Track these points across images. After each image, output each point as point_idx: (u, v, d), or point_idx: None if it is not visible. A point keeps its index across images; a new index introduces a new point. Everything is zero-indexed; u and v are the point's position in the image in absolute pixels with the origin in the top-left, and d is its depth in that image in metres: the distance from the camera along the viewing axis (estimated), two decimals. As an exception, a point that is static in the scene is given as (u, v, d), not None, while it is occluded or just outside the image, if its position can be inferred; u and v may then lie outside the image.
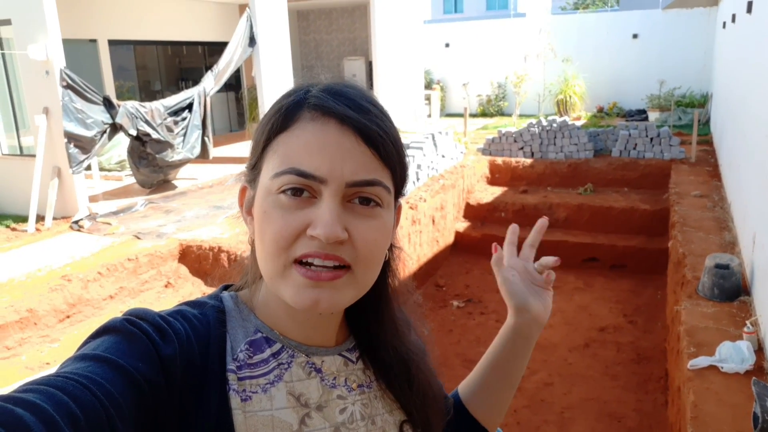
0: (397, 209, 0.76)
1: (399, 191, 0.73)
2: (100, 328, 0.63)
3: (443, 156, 9.11)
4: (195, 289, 5.64)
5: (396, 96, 12.74)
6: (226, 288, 0.78)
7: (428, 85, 16.36)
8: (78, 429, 0.50)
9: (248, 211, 0.73)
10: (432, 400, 0.84)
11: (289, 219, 0.64)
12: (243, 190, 0.74)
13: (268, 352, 0.70)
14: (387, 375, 0.79)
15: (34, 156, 6.73)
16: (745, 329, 3.58)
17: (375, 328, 0.79)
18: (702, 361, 3.41)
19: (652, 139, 9.30)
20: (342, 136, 0.65)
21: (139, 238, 5.97)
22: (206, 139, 8.06)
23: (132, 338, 0.61)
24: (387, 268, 0.78)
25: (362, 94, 0.69)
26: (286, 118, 0.67)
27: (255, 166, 0.71)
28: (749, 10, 6.05)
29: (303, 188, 0.65)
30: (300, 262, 0.65)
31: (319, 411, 0.71)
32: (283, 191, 0.65)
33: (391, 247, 0.78)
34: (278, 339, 0.72)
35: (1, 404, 0.48)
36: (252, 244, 0.75)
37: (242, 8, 12.92)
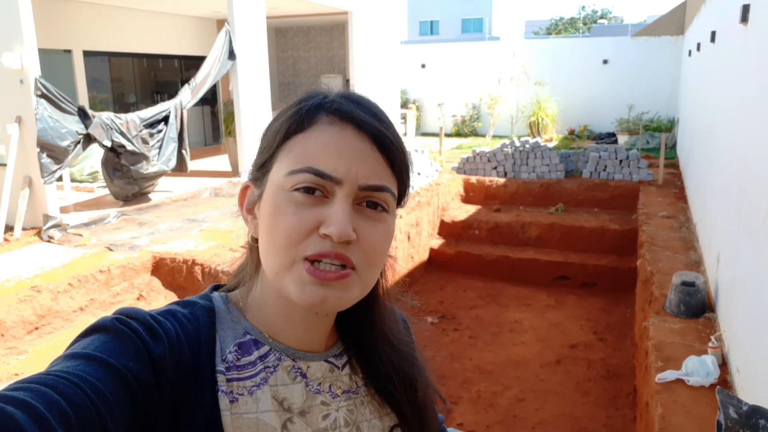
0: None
1: (400, 200, 0.75)
2: (89, 327, 0.63)
3: (419, 173, 9.21)
4: (167, 302, 5.57)
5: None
6: (216, 288, 0.78)
7: (404, 105, 16.55)
8: (69, 427, 0.50)
9: (249, 210, 0.73)
10: (426, 402, 0.84)
11: (303, 215, 0.66)
12: (245, 189, 0.75)
13: (255, 354, 0.71)
14: (378, 380, 0.79)
15: (5, 165, 6.60)
16: (710, 344, 3.69)
17: (367, 333, 0.80)
18: (669, 375, 3.50)
19: (621, 161, 9.56)
20: (358, 140, 0.67)
21: (111, 249, 5.88)
22: (183, 152, 8.02)
23: (122, 337, 0.61)
24: (380, 274, 0.79)
25: (376, 105, 0.73)
26: (303, 120, 0.68)
27: (264, 165, 0.71)
28: (713, 39, 6.32)
29: (316, 188, 0.66)
30: (309, 260, 0.66)
31: (301, 416, 0.71)
32: (297, 189, 0.66)
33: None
34: (266, 342, 0.72)
35: None
36: (248, 244, 0.76)
37: (220, 23, 12.95)
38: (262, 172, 0.72)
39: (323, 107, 0.69)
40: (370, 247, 0.68)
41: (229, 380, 0.68)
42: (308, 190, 0.66)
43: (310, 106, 0.69)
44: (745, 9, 4.10)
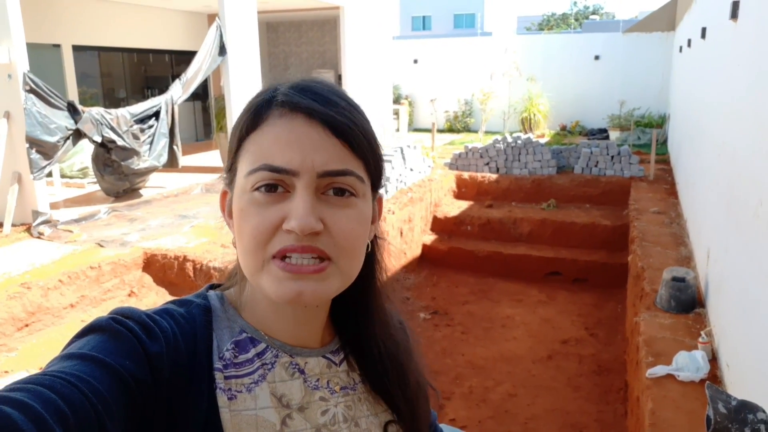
0: (378, 200, 0.77)
1: (376, 182, 0.74)
2: (85, 327, 0.63)
3: (411, 169, 9.21)
4: (159, 299, 5.56)
5: (365, 109, 12.79)
6: (212, 287, 0.78)
7: (397, 100, 16.52)
8: (67, 427, 0.50)
9: (230, 214, 0.73)
10: (419, 395, 0.84)
11: (265, 214, 0.65)
12: (223, 194, 0.75)
13: (252, 351, 0.71)
14: (373, 370, 0.79)
15: (-7, 161, 6.55)
16: (700, 339, 3.72)
17: (363, 323, 0.79)
18: (659, 370, 3.53)
19: (612, 157, 9.59)
20: (310, 129, 0.66)
21: (101, 246, 5.85)
22: (175, 147, 7.97)
23: (118, 336, 0.61)
24: (373, 260, 0.79)
25: (330, 88, 0.70)
26: (255, 118, 0.68)
27: (231, 168, 0.71)
28: (703, 36, 6.35)
29: (277, 184, 0.65)
30: (279, 257, 0.65)
31: (300, 412, 0.71)
32: (258, 188, 0.65)
33: (375, 239, 0.79)
34: (263, 339, 0.72)
35: None
36: (236, 245, 0.76)
37: (211, 18, 12.86)
38: (231, 175, 0.72)
39: (272, 101, 0.68)
40: (341, 235, 0.67)
41: (227, 378, 0.68)
42: (269, 188, 0.65)
43: (260, 103, 0.69)
44: (735, 5, 4.12)
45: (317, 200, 0.66)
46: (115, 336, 0.61)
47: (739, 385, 3.03)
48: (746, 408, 2.06)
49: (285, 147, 0.65)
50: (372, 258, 0.78)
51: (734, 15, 4.14)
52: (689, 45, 8.40)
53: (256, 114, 0.68)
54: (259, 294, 0.72)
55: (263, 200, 0.66)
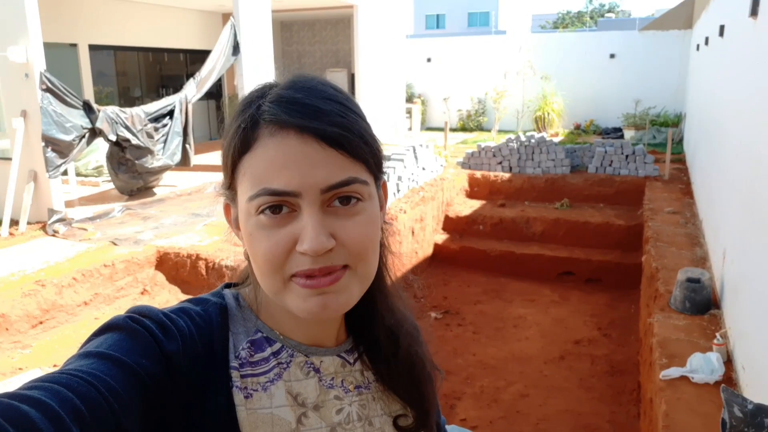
0: (382, 186, 0.75)
1: (378, 174, 0.72)
2: (103, 325, 0.63)
3: (423, 168, 9.19)
4: (171, 297, 5.59)
5: (378, 108, 12.83)
6: (227, 286, 0.79)
7: (409, 99, 16.50)
8: (83, 425, 0.50)
9: (237, 227, 0.73)
10: (427, 382, 0.84)
11: (276, 238, 0.64)
12: (227, 208, 0.74)
13: (268, 351, 0.72)
14: (383, 357, 0.79)
15: (9, 159, 6.63)
16: (715, 341, 3.67)
17: (371, 306, 0.79)
18: (673, 372, 3.48)
19: (627, 156, 9.50)
20: (305, 145, 0.63)
21: (115, 244, 5.90)
22: (187, 146, 8.02)
23: (135, 335, 0.61)
24: (380, 245, 0.77)
25: (317, 92, 0.67)
26: (246, 139, 0.66)
27: (230, 186, 0.70)
28: (721, 33, 6.26)
29: (281, 204, 0.64)
30: (298, 275, 0.65)
31: (315, 411, 0.72)
32: (262, 211, 0.64)
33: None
34: (278, 339, 0.73)
35: (7, 401, 0.48)
36: (245, 253, 0.75)
37: (225, 17, 12.93)
38: (231, 193, 0.70)
39: (260, 119, 0.65)
40: (354, 244, 0.66)
41: (243, 376, 0.69)
42: (274, 210, 0.64)
43: (248, 123, 0.66)
44: (755, 2, 4.05)
45: (324, 215, 0.65)
46: (132, 335, 0.61)
47: (755, 388, 2.98)
48: (763, 412, 2.02)
49: (282, 169, 0.63)
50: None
51: (754, 12, 4.07)
52: (707, 43, 8.29)
53: (246, 135, 0.66)
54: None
55: (270, 223, 0.64)
